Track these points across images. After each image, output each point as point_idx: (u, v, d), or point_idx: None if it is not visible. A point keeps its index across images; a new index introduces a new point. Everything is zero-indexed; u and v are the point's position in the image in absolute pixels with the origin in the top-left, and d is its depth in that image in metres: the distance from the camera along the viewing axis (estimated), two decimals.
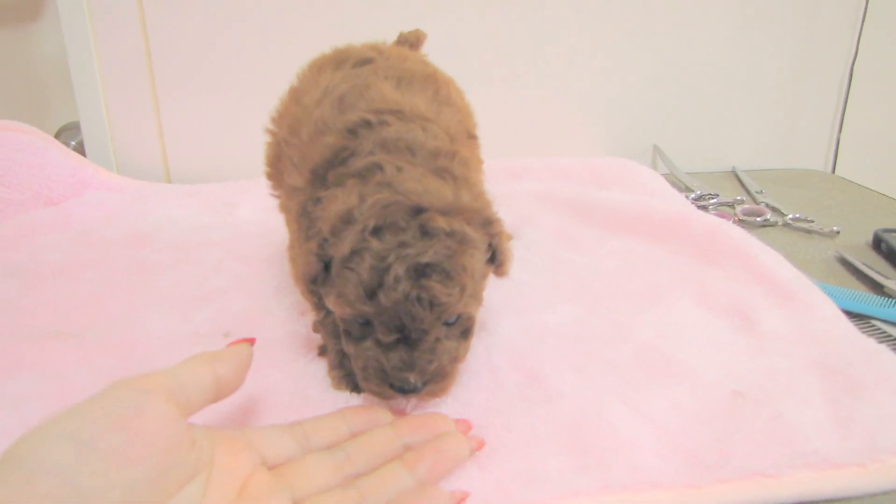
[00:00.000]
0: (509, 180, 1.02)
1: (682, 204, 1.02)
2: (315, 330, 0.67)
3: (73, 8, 1.26)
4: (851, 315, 0.76)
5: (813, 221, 1.05)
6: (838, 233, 1.02)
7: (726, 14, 1.33)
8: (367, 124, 0.58)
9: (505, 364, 0.64)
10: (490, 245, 0.57)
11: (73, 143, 1.42)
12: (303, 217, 0.58)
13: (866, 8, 1.33)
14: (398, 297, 0.50)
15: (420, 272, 0.50)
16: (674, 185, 1.20)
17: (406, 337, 0.53)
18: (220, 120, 1.29)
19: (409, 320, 0.51)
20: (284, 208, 0.69)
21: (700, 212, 0.94)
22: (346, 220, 0.53)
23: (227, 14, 1.26)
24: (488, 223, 0.56)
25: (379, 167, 0.55)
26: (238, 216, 1.09)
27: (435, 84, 0.66)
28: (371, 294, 0.51)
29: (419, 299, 0.51)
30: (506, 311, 0.74)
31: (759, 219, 1.07)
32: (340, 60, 0.68)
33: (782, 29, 1.35)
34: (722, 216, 1.07)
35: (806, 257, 0.95)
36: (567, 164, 1.23)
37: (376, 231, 0.51)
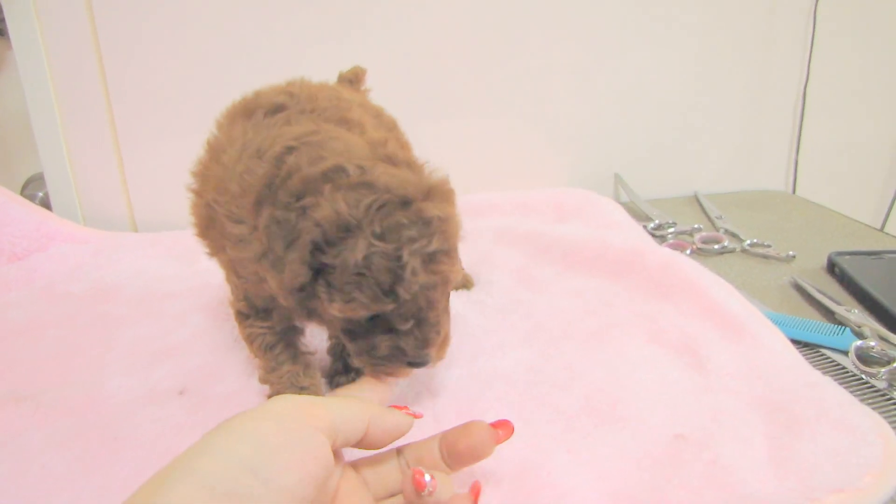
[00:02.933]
0: (471, 217, 1.02)
1: (638, 237, 1.03)
2: (262, 381, 0.69)
3: (32, 62, 1.26)
4: (800, 345, 0.77)
5: (770, 246, 1.07)
6: (794, 257, 1.03)
7: (684, 42, 1.35)
8: (291, 149, 0.59)
9: (451, 413, 0.65)
10: None
11: (40, 194, 1.43)
12: (275, 226, 0.57)
13: (814, 33, 1.36)
14: (416, 289, 0.54)
15: (431, 259, 0.54)
16: (634, 213, 1.21)
17: (419, 319, 0.57)
18: (183, 166, 1.29)
19: (426, 304, 0.56)
20: (227, 263, 0.69)
21: (655, 245, 0.95)
22: (344, 227, 0.53)
23: (187, 61, 1.27)
24: (450, 193, 0.59)
25: (341, 169, 0.55)
26: (202, 263, 1.09)
27: (348, 124, 0.66)
28: (390, 292, 0.53)
29: (434, 284, 0.55)
30: (457, 357, 0.75)
31: (716, 246, 1.08)
32: (251, 110, 0.68)
33: (738, 55, 1.37)
34: (680, 245, 1.09)
35: (761, 284, 0.96)
36: (528, 198, 1.24)
37: (382, 235, 0.53)
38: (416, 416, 0.54)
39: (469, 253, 0.97)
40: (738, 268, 1.02)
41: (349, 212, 0.53)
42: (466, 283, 0.93)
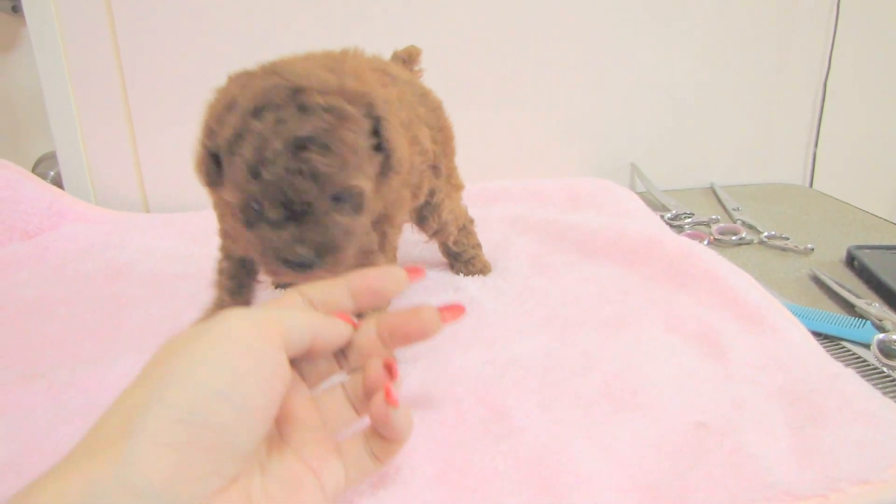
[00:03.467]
0: (485, 204, 1.02)
1: (656, 226, 1.02)
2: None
3: (46, 39, 1.26)
4: (821, 337, 0.76)
5: (788, 239, 1.06)
6: (812, 250, 1.02)
7: (702, 31, 1.33)
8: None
9: (469, 397, 0.64)
10: (377, 131, 0.60)
11: (51, 173, 1.42)
12: None
13: (836, 25, 1.34)
14: (279, 172, 0.54)
15: (299, 146, 0.54)
16: (651, 203, 1.20)
17: (294, 213, 0.56)
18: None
19: (293, 193, 0.55)
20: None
21: (673, 234, 0.94)
22: (229, 106, 0.56)
23: (201, 41, 1.26)
24: (370, 105, 0.59)
25: (270, 65, 0.59)
26: (214, 245, 1.08)
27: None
28: (255, 172, 0.54)
29: (300, 171, 0.54)
30: (474, 341, 0.74)
31: (734, 237, 1.07)
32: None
33: (757, 45, 1.35)
34: (697, 236, 1.08)
35: (780, 276, 0.95)
36: (543, 186, 1.23)
37: (256, 112, 0.54)
38: (354, 325, 0.52)
39: (484, 239, 0.96)
40: (756, 260, 1.01)
41: (235, 90, 0.56)
42: (483, 269, 0.93)
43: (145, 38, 1.26)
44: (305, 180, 0.54)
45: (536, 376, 0.68)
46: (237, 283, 0.76)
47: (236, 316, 0.43)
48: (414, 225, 0.90)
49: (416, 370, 0.69)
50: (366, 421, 0.51)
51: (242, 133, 0.55)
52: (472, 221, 0.94)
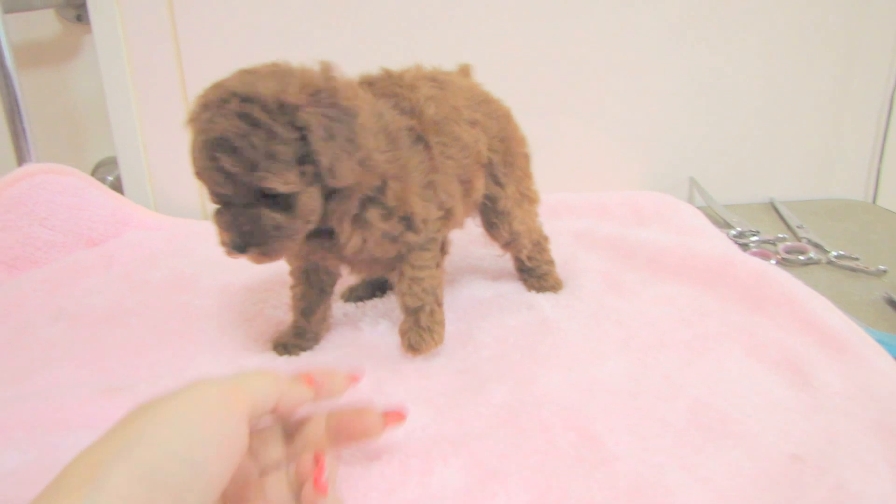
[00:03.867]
0: (547, 217, 1.01)
1: (725, 245, 1.01)
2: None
3: (111, 46, 1.27)
4: None
5: (858, 259, 1.04)
6: (885, 271, 1.01)
7: (763, 43, 1.32)
8: None
9: (557, 422, 0.64)
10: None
11: (110, 178, 1.44)
12: None
13: None
14: (199, 166, 0.63)
15: (214, 146, 0.61)
16: (711, 219, 1.19)
17: (226, 203, 0.65)
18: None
19: (214, 186, 0.63)
20: None
21: (745, 254, 0.93)
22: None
23: (263, 47, 1.26)
24: (290, 109, 0.63)
25: (239, 72, 0.67)
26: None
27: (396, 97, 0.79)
28: (192, 162, 0.63)
29: (214, 168, 0.62)
30: (553, 363, 0.74)
31: (802, 257, 1.06)
32: None
33: (820, 57, 1.34)
34: (764, 254, 1.06)
35: (853, 299, 0.94)
36: (605, 200, 1.22)
37: (201, 108, 0.63)
38: (315, 388, 0.55)
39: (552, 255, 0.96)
40: (826, 281, 0.99)
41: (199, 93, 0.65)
42: (555, 286, 0.93)
43: (207, 46, 1.27)
44: (220, 176, 0.62)
45: (621, 401, 0.67)
46: (307, 304, 0.82)
47: (207, 383, 0.47)
48: (485, 231, 0.91)
49: (500, 392, 0.69)
50: None
51: (191, 125, 0.64)
52: (546, 239, 0.95)
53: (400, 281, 0.79)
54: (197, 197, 1.37)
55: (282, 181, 0.63)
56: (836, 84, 1.36)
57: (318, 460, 0.52)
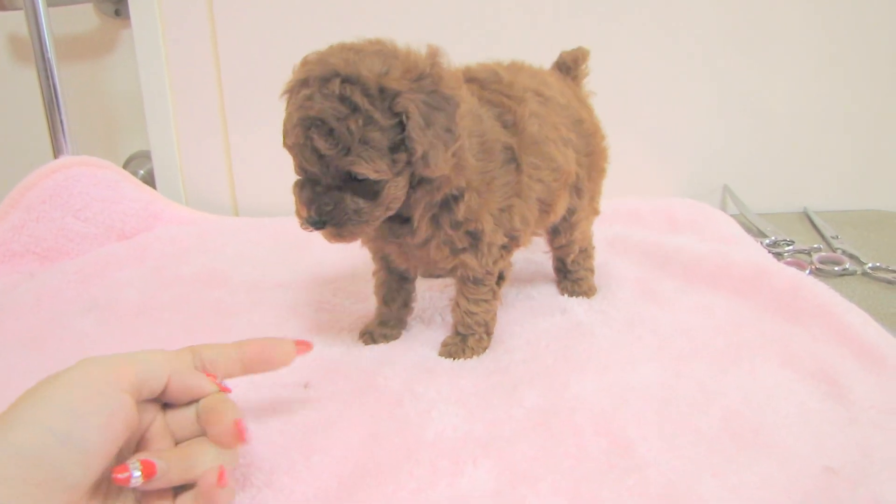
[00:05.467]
0: None
1: (760, 254, 1.00)
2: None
3: (149, 42, 1.28)
4: None
5: (895, 271, 1.03)
6: None
7: (801, 51, 1.31)
8: None
9: (589, 427, 0.63)
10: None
11: (141, 171, 1.45)
12: None
13: None
14: (293, 141, 0.63)
15: (310, 124, 0.62)
16: (745, 227, 1.18)
17: (311, 180, 0.65)
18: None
19: (304, 162, 0.64)
20: None
21: (779, 264, 0.92)
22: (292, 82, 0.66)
23: (300, 45, 1.26)
24: (391, 95, 0.63)
25: (339, 46, 0.67)
26: (310, 254, 1.09)
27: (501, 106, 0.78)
28: (286, 134, 0.64)
29: (307, 147, 0.62)
30: (587, 367, 0.73)
31: (837, 268, 1.05)
32: None
33: (859, 66, 1.32)
34: (798, 264, 1.05)
35: (889, 311, 0.92)
36: (638, 207, 1.22)
37: (300, 83, 0.64)
38: (224, 390, 0.57)
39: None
40: (862, 292, 0.98)
41: (296, 67, 0.66)
42: (589, 291, 0.93)
43: (245, 44, 1.28)
44: (311, 154, 0.63)
45: (654, 408, 0.67)
46: (388, 291, 0.83)
47: (90, 362, 0.48)
48: (545, 234, 0.91)
49: (531, 395, 0.68)
50: None
51: (289, 100, 0.65)
52: (593, 248, 0.96)
53: (455, 309, 0.79)
54: (228, 192, 1.38)
55: (372, 168, 0.64)
56: (874, 93, 1.34)
57: (220, 477, 0.51)
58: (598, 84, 1.29)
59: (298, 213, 0.67)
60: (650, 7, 1.27)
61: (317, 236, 1.12)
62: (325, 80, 0.62)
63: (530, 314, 0.86)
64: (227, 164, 1.35)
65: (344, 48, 0.65)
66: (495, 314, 0.81)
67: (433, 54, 0.67)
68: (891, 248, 1.15)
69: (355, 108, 0.61)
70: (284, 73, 1.25)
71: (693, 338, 0.79)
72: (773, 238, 1.16)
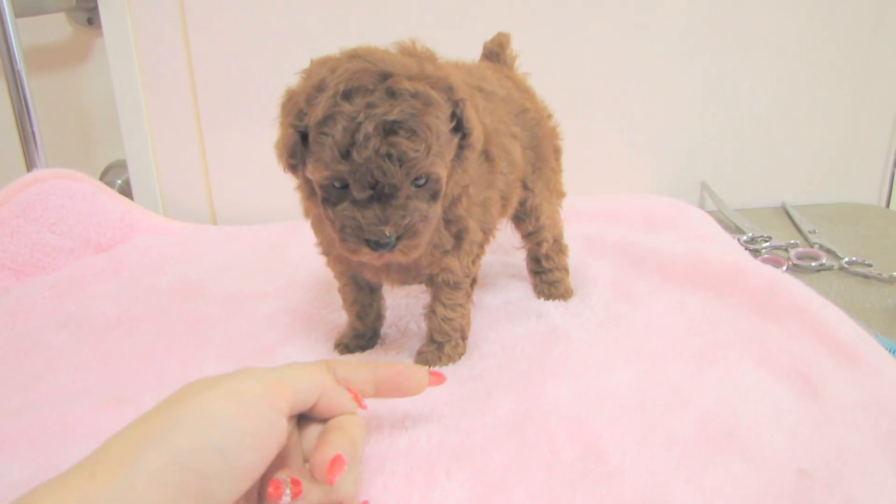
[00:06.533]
0: None
1: (736, 252, 1.00)
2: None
3: (121, 50, 1.28)
4: None
5: (871, 266, 1.03)
6: None
7: (775, 45, 1.31)
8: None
9: (563, 434, 0.63)
10: (455, 114, 0.63)
11: (119, 181, 1.44)
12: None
13: None
14: (370, 154, 0.57)
15: (388, 130, 0.57)
16: (723, 223, 1.18)
17: (379, 195, 0.60)
18: (265, 160, 1.29)
19: (381, 176, 0.58)
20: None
21: (756, 262, 0.92)
22: (320, 88, 0.59)
23: (273, 52, 1.27)
24: (450, 89, 0.62)
25: (352, 52, 0.62)
26: (286, 262, 1.09)
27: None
28: (345, 153, 0.58)
29: (388, 155, 0.57)
30: (562, 372, 0.73)
31: (814, 263, 1.05)
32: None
33: (834, 59, 1.32)
34: (775, 260, 1.06)
35: (864, 306, 0.93)
36: (616, 205, 1.21)
37: (346, 94, 0.57)
38: (360, 406, 0.57)
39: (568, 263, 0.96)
40: (838, 287, 0.98)
41: (325, 74, 0.59)
42: (565, 294, 0.92)
43: (217, 51, 1.27)
44: (393, 164, 0.58)
45: (629, 412, 0.66)
46: (361, 307, 0.81)
47: (250, 376, 0.49)
48: (510, 223, 0.91)
49: (506, 402, 0.68)
50: None
51: (333, 115, 0.58)
52: (566, 247, 0.95)
53: (431, 317, 0.78)
54: (205, 200, 1.37)
55: (444, 164, 0.62)
56: (849, 86, 1.35)
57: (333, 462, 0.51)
58: (574, 82, 1.30)
59: (358, 237, 0.61)
60: (627, 4, 1.27)
61: (292, 245, 1.14)
62: (382, 80, 0.58)
63: (506, 319, 0.86)
64: (203, 172, 1.35)
65: (354, 55, 0.61)
66: (470, 318, 0.80)
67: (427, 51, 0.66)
68: (867, 242, 1.15)
69: (429, 102, 0.59)
70: (257, 78, 1.26)
71: (668, 339, 0.79)
72: (750, 234, 1.16)
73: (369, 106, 0.57)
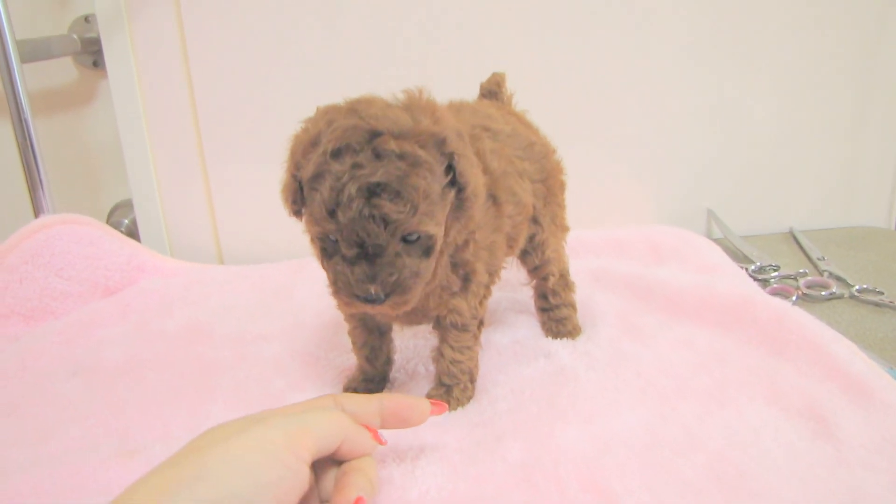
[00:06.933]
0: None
1: (745, 284, 1.00)
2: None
3: (126, 92, 1.28)
4: None
5: (882, 293, 1.02)
6: None
7: (780, 68, 1.31)
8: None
9: (574, 481, 0.63)
10: (451, 167, 0.63)
11: (125, 221, 1.44)
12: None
13: None
14: (353, 215, 0.57)
15: (372, 191, 0.57)
16: (730, 251, 1.18)
17: (367, 252, 0.60)
18: (270, 198, 1.29)
19: (366, 236, 0.59)
20: None
21: (765, 294, 0.92)
22: (314, 142, 0.60)
23: (278, 92, 1.27)
24: (442, 143, 0.61)
25: (352, 104, 0.63)
26: (293, 302, 1.09)
27: None
28: (332, 212, 0.58)
29: (372, 217, 0.58)
30: (571, 415, 0.72)
31: (824, 292, 1.04)
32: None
33: (840, 81, 1.32)
34: (784, 290, 1.05)
35: (877, 336, 0.92)
36: (623, 237, 1.21)
37: (335, 153, 0.58)
38: (381, 443, 0.58)
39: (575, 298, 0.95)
40: (849, 317, 0.98)
41: (322, 127, 0.60)
42: (573, 331, 0.92)
43: (221, 90, 1.28)
44: (377, 225, 0.58)
45: (639, 456, 0.66)
46: (371, 350, 0.81)
47: (273, 425, 0.49)
48: (516, 259, 0.90)
49: (516, 448, 0.67)
50: None
51: (322, 173, 0.59)
52: (573, 284, 0.95)
53: (439, 360, 0.78)
54: (212, 239, 1.37)
55: (435, 223, 0.62)
56: (855, 108, 1.34)
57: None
58: (575, 109, 1.29)
59: (349, 293, 0.62)
60: (627, 29, 1.27)
61: (299, 284, 1.13)
62: (370, 140, 0.58)
63: (514, 360, 0.85)
64: (209, 211, 1.35)
65: (352, 109, 0.61)
66: (478, 361, 0.80)
67: (421, 93, 0.67)
68: (877, 268, 1.14)
69: (416, 163, 0.58)
70: (262, 117, 1.26)
71: (677, 377, 0.79)
72: (758, 264, 1.15)
73: (355, 166, 0.57)
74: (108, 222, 1.45)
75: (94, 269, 1.14)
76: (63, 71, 1.41)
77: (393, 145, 0.58)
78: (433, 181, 0.60)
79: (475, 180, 0.65)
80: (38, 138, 1.19)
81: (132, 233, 1.41)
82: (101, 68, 1.36)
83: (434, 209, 0.61)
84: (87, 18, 1.35)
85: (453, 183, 0.64)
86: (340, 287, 0.62)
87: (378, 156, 0.58)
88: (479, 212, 0.70)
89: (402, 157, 0.58)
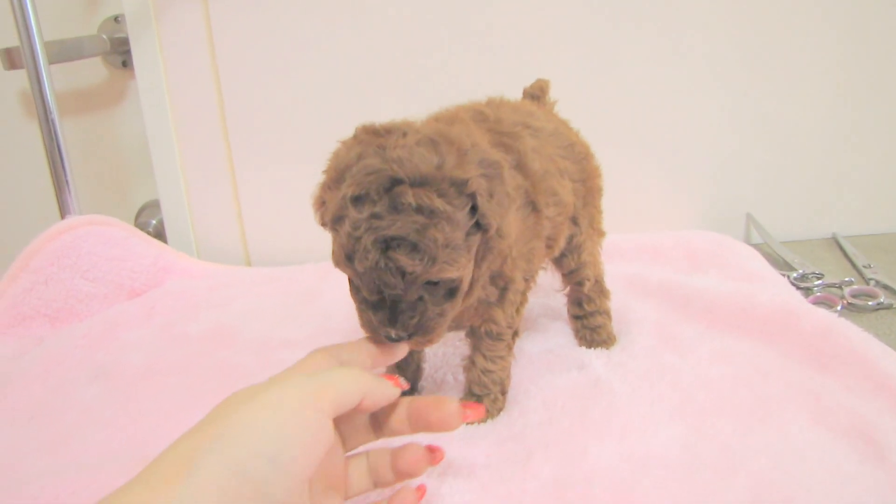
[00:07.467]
0: None
1: (787, 293, 0.96)
2: None
3: (154, 92, 1.28)
4: None
5: None
6: None
7: (819, 66, 1.26)
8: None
9: (608, 502, 0.60)
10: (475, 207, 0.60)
11: (153, 221, 1.44)
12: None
13: None
14: (369, 265, 0.56)
15: (388, 244, 0.55)
16: (770, 258, 1.14)
17: (387, 298, 0.59)
18: (299, 200, 1.27)
19: (383, 286, 0.58)
20: None
21: (809, 304, 0.88)
22: (339, 179, 0.59)
23: (306, 93, 1.26)
24: (463, 185, 0.58)
25: (383, 137, 0.60)
26: (320, 306, 1.07)
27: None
28: (349, 258, 0.57)
29: (388, 268, 0.56)
30: (605, 431, 0.69)
31: (871, 302, 1.00)
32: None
33: (882, 78, 1.27)
34: (829, 299, 1.01)
35: None
36: (658, 242, 1.17)
37: (355, 200, 0.56)
38: (402, 387, 0.58)
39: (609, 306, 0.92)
40: None
41: (350, 160, 0.58)
42: (608, 340, 0.89)
43: (249, 92, 1.27)
44: (394, 276, 0.57)
45: (676, 476, 0.63)
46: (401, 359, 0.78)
47: (293, 384, 0.50)
48: (551, 264, 0.88)
49: (548, 465, 0.65)
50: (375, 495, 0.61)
51: (342, 217, 0.57)
52: (608, 291, 0.92)
53: (470, 369, 0.76)
54: (239, 240, 1.36)
55: (456, 268, 0.59)
56: None
57: (433, 451, 0.59)
58: (613, 112, 1.26)
59: (373, 330, 0.62)
60: (663, 31, 1.24)
61: (326, 288, 1.12)
62: (389, 189, 0.56)
63: (547, 370, 0.82)
64: (236, 212, 1.34)
65: (380, 146, 0.58)
66: (510, 371, 0.78)
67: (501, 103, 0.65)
68: None
69: (434, 214, 0.56)
70: (289, 117, 1.25)
71: (715, 391, 0.75)
72: (801, 271, 1.11)
73: (372, 217, 0.55)
74: (135, 222, 1.45)
75: (119, 271, 1.13)
76: (93, 71, 1.41)
77: (410, 198, 0.55)
78: (454, 230, 0.58)
79: (499, 220, 0.62)
80: (68, 138, 1.19)
81: (160, 233, 1.40)
82: (130, 68, 1.35)
83: (456, 255, 0.58)
84: (116, 19, 1.35)
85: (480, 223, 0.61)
86: (364, 324, 0.62)
87: (395, 209, 0.56)
88: (516, 224, 0.68)
89: (419, 210, 0.56)
